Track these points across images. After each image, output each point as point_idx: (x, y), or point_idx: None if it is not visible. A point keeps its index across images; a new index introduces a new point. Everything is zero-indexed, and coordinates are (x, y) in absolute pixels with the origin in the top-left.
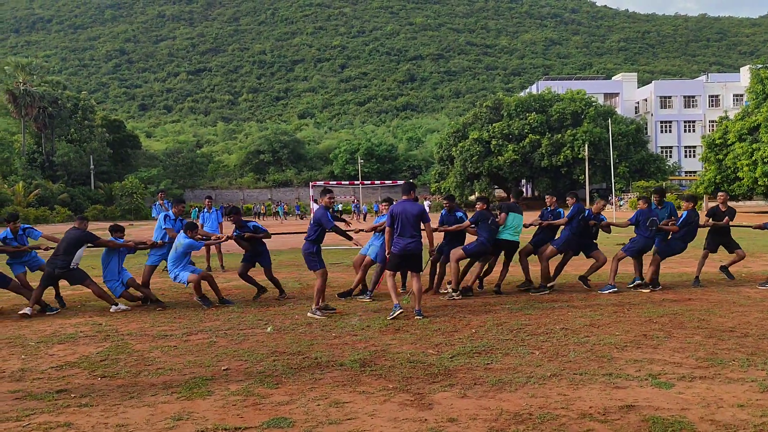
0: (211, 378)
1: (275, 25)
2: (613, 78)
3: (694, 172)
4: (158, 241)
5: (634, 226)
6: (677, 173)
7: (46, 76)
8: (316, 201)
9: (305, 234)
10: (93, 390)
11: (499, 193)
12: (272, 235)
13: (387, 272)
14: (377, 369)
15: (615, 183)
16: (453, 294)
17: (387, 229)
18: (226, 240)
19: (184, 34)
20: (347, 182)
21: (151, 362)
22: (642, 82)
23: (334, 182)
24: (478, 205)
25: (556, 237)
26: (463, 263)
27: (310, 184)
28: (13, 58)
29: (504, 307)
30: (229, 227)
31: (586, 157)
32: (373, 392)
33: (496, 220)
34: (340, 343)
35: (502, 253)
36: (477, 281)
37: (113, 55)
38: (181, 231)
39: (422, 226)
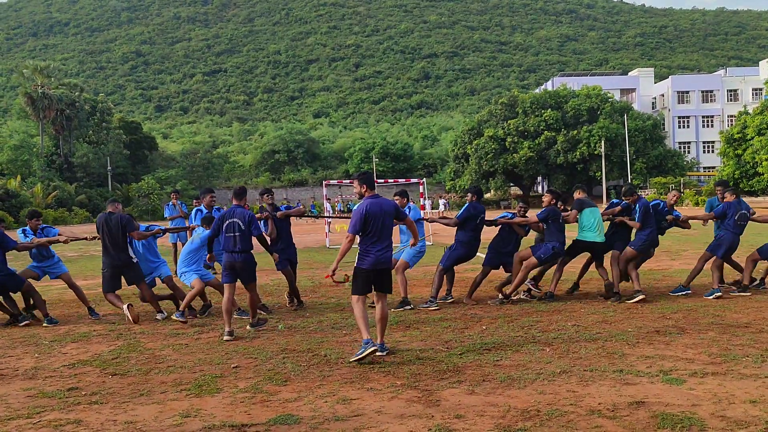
0: (221, 375)
1: (289, 25)
2: (629, 73)
3: (713, 167)
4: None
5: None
6: (695, 169)
7: (63, 78)
8: (329, 200)
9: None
10: (104, 388)
11: (515, 190)
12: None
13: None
14: (386, 366)
15: (632, 179)
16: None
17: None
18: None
19: (200, 35)
20: None
21: (162, 360)
22: (659, 77)
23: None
24: (546, 199)
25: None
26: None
27: (324, 183)
28: (32, 62)
29: (516, 304)
30: None
31: (603, 154)
32: (381, 389)
33: (567, 217)
34: (349, 340)
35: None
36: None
37: (129, 57)
38: (200, 225)
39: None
